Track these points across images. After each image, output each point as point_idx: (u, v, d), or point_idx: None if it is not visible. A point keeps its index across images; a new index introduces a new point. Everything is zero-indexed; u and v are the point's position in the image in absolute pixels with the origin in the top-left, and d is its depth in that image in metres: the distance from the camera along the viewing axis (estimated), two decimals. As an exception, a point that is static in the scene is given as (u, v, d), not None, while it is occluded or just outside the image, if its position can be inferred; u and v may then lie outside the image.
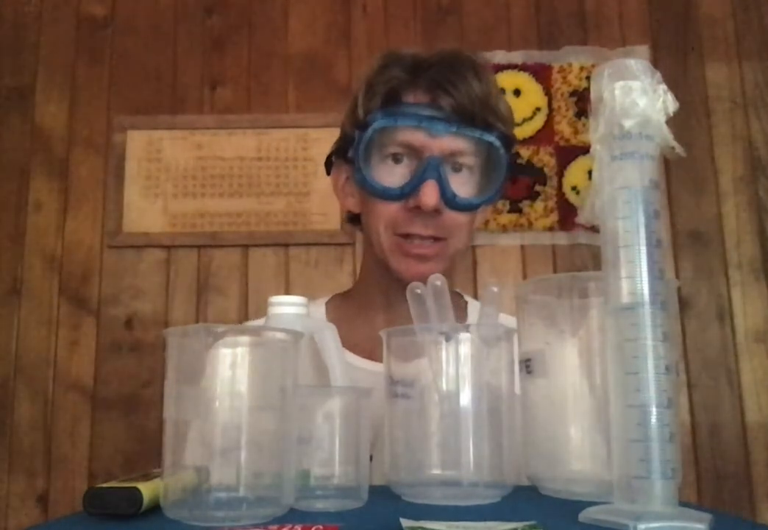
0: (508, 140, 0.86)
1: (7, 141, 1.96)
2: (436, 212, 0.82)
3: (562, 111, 1.97)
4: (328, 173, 0.94)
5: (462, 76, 0.83)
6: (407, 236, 0.84)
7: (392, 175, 0.84)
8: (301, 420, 0.55)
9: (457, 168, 0.85)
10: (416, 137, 0.82)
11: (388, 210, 0.84)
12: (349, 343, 0.84)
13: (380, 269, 0.90)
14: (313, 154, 1.93)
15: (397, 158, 0.84)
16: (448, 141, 0.82)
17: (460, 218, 0.85)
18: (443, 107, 0.82)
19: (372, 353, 0.88)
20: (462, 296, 0.99)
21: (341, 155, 0.89)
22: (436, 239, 0.85)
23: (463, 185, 0.84)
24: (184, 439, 0.51)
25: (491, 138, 0.83)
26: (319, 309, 0.96)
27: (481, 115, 0.83)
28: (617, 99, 0.49)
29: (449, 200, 0.82)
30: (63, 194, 1.94)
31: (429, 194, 0.80)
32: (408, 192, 0.82)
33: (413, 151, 0.83)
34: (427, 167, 0.81)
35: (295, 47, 2.02)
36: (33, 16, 2.03)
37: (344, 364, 0.74)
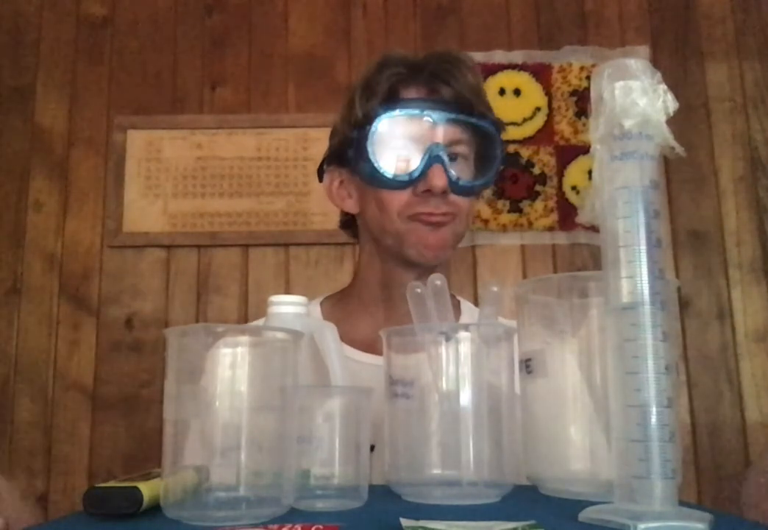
0: (501, 128, 0.92)
1: (7, 141, 1.96)
2: (444, 193, 0.86)
3: (562, 111, 1.97)
4: (321, 180, 0.97)
5: (458, 69, 0.89)
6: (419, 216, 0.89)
7: (398, 165, 0.87)
8: (301, 419, 0.55)
9: (453, 157, 0.88)
10: (420, 126, 0.86)
11: (399, 198, 0.88)
12: (349, 338, 0.86)
13: (381, 262, 0.93)
14: (313, 154, 1.92)
15: (402, 150, 0.88)
16: (448, 129, 0.87)
17: (462, 201, 0.89)
18: (444, 97, 0.88)
19: (372, 347, 0.89)
20: (454, 296, 0.99)
21: (334, 160, 0.94)
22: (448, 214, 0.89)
23: (459, 173, 0.88)
24: (184, 439, 0.51)
25: (488, 124, 0.89)
26: (314, 309, 0.97)
27: (477, 104, 0.89)
28: (617, 99, 0.48)
29: (453, 184, 0.86)
30: (63, 194, 1.94)
31: (438, 176, 0.85)
32: (417, 177, 0.86)
33: (417, 140, 0.87)
34: (432, 153, 0.85)
35: (295, 47, 2.02)
36: (33, 16, 2.03)
37: (344, 364, 0.74)
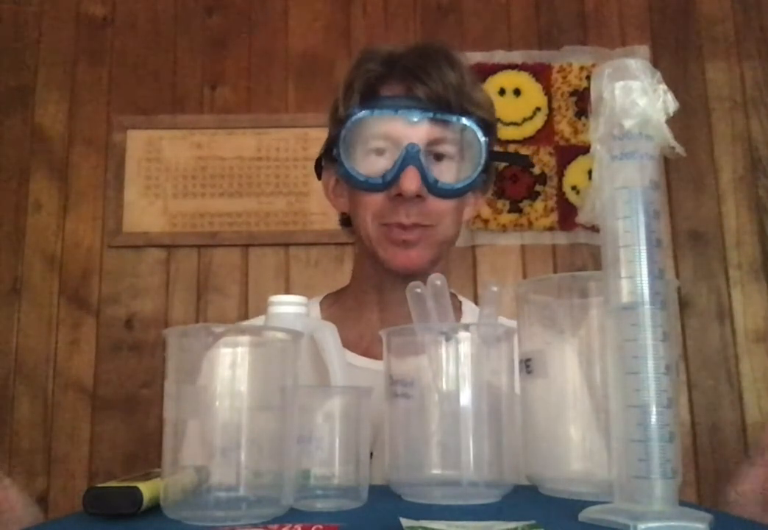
0: (487, 125, 0.87)
1: (7, 141, 1.96)
2: (419, 198, 0.83)
3: (562, 111, 1.97)
4: (319, 177, 0.96)
5: (435, 64, 0.85)
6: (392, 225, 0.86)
7: (375, 167, 0.85)
8: (301, 420, 0.55)
9: (439, 157, 0.86)
10: (394, 126, 0.84)
11: (373, 201, 0.85)
12: (345, 341, 0.83)
13: (373, 264, 0.90)
14: (313, 154, 1.89)
15: (379, 151, 0.85)
16: (426, 129, 0.83)
17: (444, 204, 0.86)
18: (419, 96, 0.84)
19: (368, 351, 0.89)
20: (456, 296, 0.99)
21: (329, 158, 0.91)
22: (421, 226, 0.85)
23: (445, 173, 0.85)
24: (183, 439, 0.51)
25: (468, 122, 0.85)
26: (314, 308, 0.96)
27: (456, 101, 0.84)
28: (617, 99, 0.48)
29: (431, 186, 0.83)
30: (63, 194, 1.94)
31: (409, 180, 0.81)
32: (390, 180, 0.83)
33: (393, 141, 0.84)
34: (407, 155, 0.82)
35: (295, 47, 2.02)
36: (33, 16, 2.03)
37: (344, 364, 0.74)
